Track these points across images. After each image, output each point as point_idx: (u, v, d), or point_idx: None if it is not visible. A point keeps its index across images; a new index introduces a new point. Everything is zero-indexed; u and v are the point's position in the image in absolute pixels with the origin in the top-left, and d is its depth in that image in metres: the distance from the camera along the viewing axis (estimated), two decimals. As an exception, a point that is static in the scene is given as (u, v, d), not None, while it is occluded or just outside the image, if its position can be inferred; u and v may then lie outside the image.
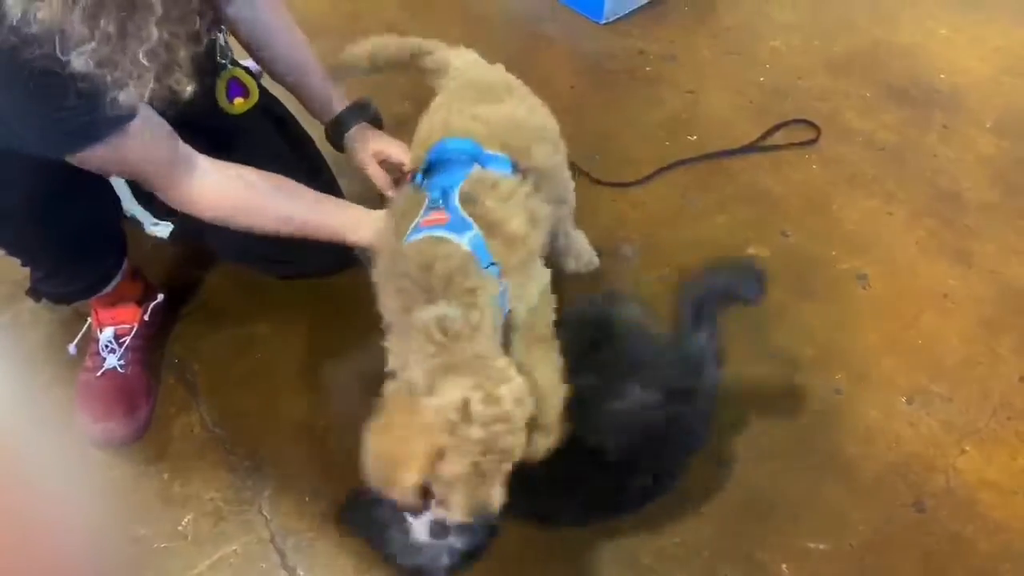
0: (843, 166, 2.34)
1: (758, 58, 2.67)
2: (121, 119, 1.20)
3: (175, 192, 1.41)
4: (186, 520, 1.59)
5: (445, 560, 1.43)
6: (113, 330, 1.71)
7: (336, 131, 1.70)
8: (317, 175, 1.76)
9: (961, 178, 2.31)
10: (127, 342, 1.71)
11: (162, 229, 1.99)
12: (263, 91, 1.74)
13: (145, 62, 1.06)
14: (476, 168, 1.41)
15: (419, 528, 1.43)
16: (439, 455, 1.17)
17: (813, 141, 2.40)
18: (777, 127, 2.43)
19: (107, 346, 1.70)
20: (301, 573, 1.53)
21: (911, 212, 2.23)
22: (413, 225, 1.36)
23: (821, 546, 1.59)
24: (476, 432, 1.15)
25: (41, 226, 1.44)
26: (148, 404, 1.72)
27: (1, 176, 1.31)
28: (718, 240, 2.13)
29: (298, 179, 1.52)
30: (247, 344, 1.86)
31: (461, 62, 1.73)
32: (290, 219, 1.48)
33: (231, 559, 1.55)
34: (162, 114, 1.30)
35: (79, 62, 1.02)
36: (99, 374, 1.69)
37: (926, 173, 2.33)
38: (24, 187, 1.34)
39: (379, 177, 1.65)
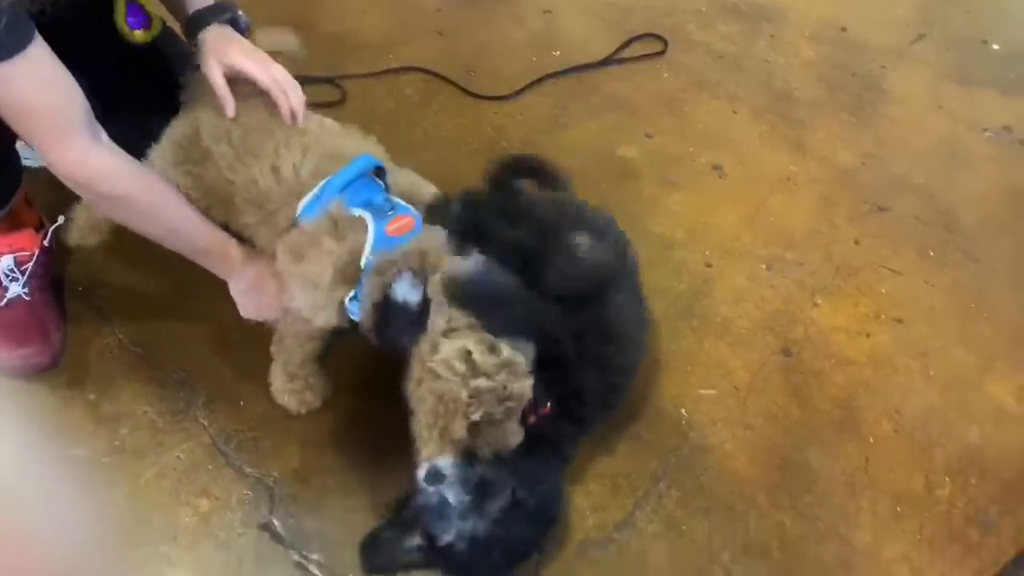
0: (690, 73, 2.59)
1: (605, -21, 2.86)
2: (2, 50, 1.18)
3: (66, 151, 1.34)
4: (122, 434, 1.60)
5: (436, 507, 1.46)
6: (13, 258, 1.66)
7: (191, 32, 1.54)
8: None
9: (790, 79, 2.62)
10: (29, 269, 1.68)
11: (36, 159, 1.93)
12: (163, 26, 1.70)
13: None
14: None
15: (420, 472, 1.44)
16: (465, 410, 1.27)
17: (662, 53, 2.63)
18: (629, 41, 2.63)
19: (8, 274, 1.66)
20: (248, 469, 1.59)
21: (752, 110, 2.51)
22: (373, 238, 1.38)
23: (711, 392, 1.83)
24: (484, 383, 1.24)
25: None
26: (60, 329, 1.69)
27: None
28: (591, 144, 2.32)
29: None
30: (150, 264, 1.84)
31: None
32: (177, 230, 1.51)
33: (175, 465, 1.58)
34: (53, 26, 1.28)
35: None
36: (4, 303, 1.65)
37: (761, 76, 2.62)
38: None
39: (222, 90, 1.49)
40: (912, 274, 2.13)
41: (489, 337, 1.29)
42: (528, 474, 1.43)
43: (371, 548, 1.47)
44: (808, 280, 2.08)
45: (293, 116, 1.49)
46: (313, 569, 1.48)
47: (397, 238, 1.37)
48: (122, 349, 1.72)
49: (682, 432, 1.75)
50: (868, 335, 1.98)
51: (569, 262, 1.55)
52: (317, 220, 1.41)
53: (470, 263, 1.34)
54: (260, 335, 1.74)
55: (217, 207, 1.54)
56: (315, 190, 1.43)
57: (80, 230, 1.69)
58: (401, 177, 1.53)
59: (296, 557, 1.49)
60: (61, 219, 1.74)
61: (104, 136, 1.39)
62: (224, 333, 1.76)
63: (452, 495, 1.38)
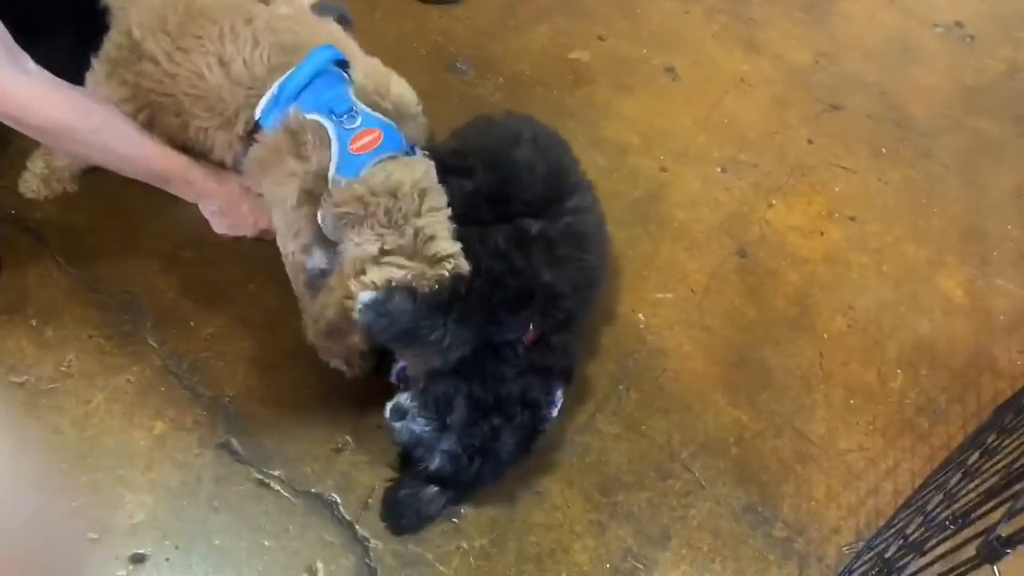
0: (640, -28, 2.51)
1: None
2: None
3: None
4: (68, 359, 1.55)
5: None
6: (-64, 182, 1.57)
7: None
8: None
9: (742, -23, 2.56)
10: (-45, 193, 1.59)
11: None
12: None
13: None
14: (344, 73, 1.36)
15: (386, 410, 1.44)
16: None
17: (612, -48, 2.54)
18: (578, -60, 2.54)
19: (-67, 199, 1.57)
20: (202, 389, 1.55)
21: (705, 10, 2.45)
22: (337, 156, 1.29)
23: (668, 295, 1.83)
24: None
25: None
26: (-6, 254, 1.62)
27: None
28: (543, 48, 2.26)
29: None
30: (86, 183, 1.75)
31: None
32: (127, 156, 1.39)
33: (126, 388, 1.54)
34: None
35: None
36: (-70, 230, 1.57)
37: (713, -26, 2.55)
38: None
39: None
40: (865, 172, 2.13)
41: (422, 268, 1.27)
42: (487, 373, 1.40)
43: (393, 511, 1.45)
44: (762, 181, 2.07)
45: None
46: (275, 486, 1.46)
47: (362, 156, 1.29)
48: (62, 272, 1.66)
49: (640, 336, 1.75)
50: (822, 233, 1.99)
51: (524, 187, 1.52)
52: (276, 132, 1.31)
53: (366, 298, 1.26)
54: (208, 253, 1.70)
55: (163, 116, 1.41)
56: (273, 90, 1.32)
57: (37, 180, 1.59)
58: (368, 73, 1.38)
59: (257, 474, 1.47)
60: (-16, 138, 1.65)
61: (30, 64, 1.27)
62: (169, 252, 1.70)
63: (417, 425, 1.38)
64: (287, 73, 1.32)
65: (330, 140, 1.29)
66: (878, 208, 2.06)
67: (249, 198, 1.46)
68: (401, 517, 1.44)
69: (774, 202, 2.03)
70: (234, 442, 1.50)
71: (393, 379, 1.44)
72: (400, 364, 1.43)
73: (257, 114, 1.33)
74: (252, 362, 1.60)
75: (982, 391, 1.76)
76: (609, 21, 2.36)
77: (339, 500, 1.46)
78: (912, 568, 1.12)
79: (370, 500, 1.47)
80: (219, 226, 1.53)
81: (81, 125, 1.32)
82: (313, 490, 1.47)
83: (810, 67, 2.36)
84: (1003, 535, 0.85)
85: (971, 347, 1.83)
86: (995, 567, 0.86)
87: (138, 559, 1.37)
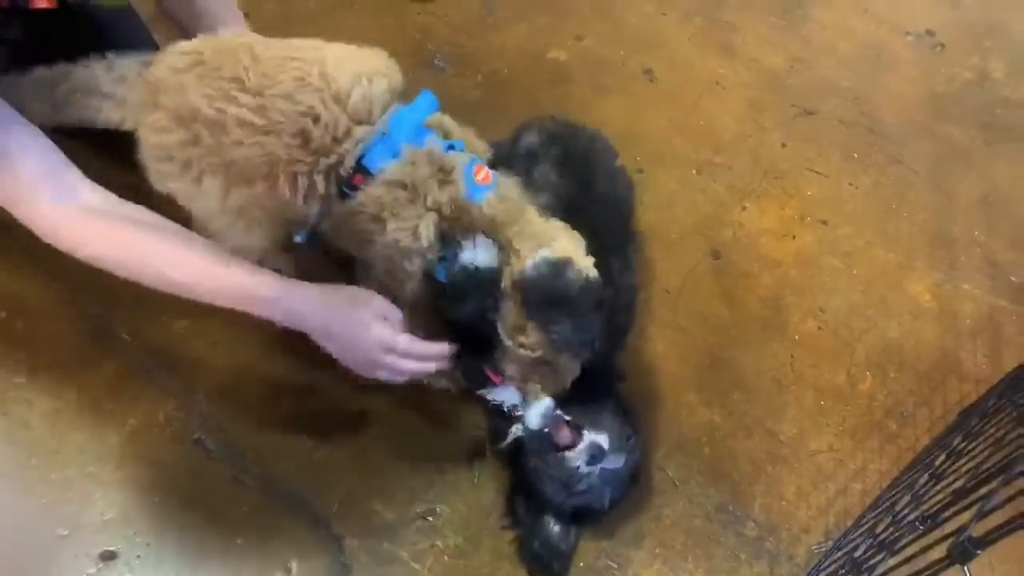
0: (619, -27, 2.52)
1: None
2: None
3: (22, 214, 1.19)
4: (39, 353, 1.53)
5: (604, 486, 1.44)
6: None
7: None
8: None
9: (719, -20, 2.58)
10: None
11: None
12: None
13: None
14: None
15: (574, 458, 1.40)
16: None
17: (590, -48, 2.54)
18: (557, -61, 2.54)
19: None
20: (175, 385, 1.53)
21: (682, 12, 2.47)
22: (465, 187, 1.28)
23: (642, 295, 1.84)
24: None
25: None
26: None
27: None
28: (521, 47, 2.26)
29: None
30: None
31: None
32: (186, 285, 1.25)
33: (97, 383, 1.52)
34: None
35: None
36: None
37: (690, -23, 2.57)
38: None
39: None
40: (837, 176, 2.16)
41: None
42: (614, 391, 1.53)
43: (540, 566, 1.44)
44: (737, 184, 2.10)
45: None
46: (250, 483, 1.46)
47: (486, 186, 1.28)
48: (32, 265, 1.63)
49: (615, 336, 1.76)
50: (794, 237, 2.02)
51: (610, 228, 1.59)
52: (412, 160, 1.25)
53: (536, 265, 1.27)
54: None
55: (249, 178, 1.27)
56: (380, 127, 1.26)
57: None
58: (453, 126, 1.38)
59: (231, 471, 1.46)
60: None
61: (79, 187, 1.22)
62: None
63: (611, 462, 1.42)
64: (392, 111, 1.29)
65: (458, 169, 1.28)
66: (849, 212, 2.09)
67: (363, 306, 1.29)
68: (550, 569, 1.44)
69: (747, 205, 2.06)
70: (207, 439, 1.49)
71: (584, 461, 1.41)
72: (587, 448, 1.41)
73: (359, 151, 1.26)
74: (227, 357, 1.59)
75: (948, 394, 1.80)
76: (587, 21, 2.37)
77: (314, 499, 1.46)
78: (881, 568, 1.14)
79: (345, 499, 1.46)
80: (344, 360, 1.31)
81: (130, 264, 1.24)
82: (288, 488, 1.46)
83: (785, 71, 2.39)
84: (974, 535, 0.87)
85: (938, 350, 1.87)
86: (965, 567, 0.88)
87: (108, 556, 1.36)
